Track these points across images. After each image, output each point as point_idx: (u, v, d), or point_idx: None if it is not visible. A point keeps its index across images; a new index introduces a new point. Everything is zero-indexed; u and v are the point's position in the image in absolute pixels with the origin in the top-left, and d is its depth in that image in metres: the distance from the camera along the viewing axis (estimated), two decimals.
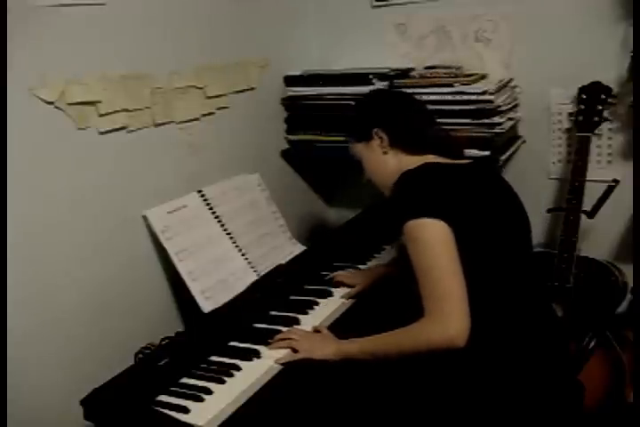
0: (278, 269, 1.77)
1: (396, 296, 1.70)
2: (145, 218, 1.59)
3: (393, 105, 1.50)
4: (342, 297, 1.66)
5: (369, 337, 1.34)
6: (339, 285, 1.71)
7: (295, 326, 1.50)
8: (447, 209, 1.23)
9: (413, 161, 1.38)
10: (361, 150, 1.50)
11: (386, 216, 1.37)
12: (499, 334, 1.27)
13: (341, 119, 1.98)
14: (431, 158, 1.40)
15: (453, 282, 1.20)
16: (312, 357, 1.36)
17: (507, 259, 1.31)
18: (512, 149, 1.94)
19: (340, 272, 1.76)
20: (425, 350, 1.21)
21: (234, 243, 1.73)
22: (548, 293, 1.74)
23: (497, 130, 1.81)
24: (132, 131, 1.58)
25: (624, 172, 1.86)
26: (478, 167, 1.43)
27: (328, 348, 1.37)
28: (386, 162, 1.45)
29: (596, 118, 1.79)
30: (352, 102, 1.96)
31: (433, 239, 1.22)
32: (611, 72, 1.81)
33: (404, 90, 1.85)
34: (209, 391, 1.26)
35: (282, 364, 1.36)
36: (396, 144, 1.43)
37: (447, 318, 1.18)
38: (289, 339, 1.41)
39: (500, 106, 1.81)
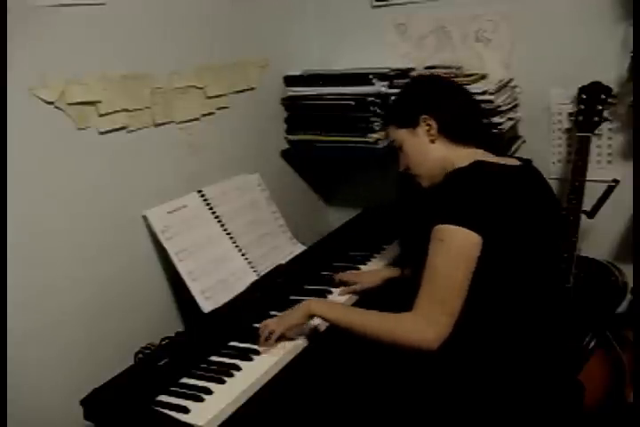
0: (278, 269, 1.77)
1: (398, 297, 1.71)
2: (145, 218, 1.59)
3: (444, 92, 1.43)
4: (340, 293, 1.67)
5: (349, 308, 1.37)
6: (340, 284, 1.71)
7: None
8: (486, 222, 1.20)
9: (462, 154, 1.34)
10: (403, 136, 1.43)
11: (423, 207, 1.33)
12: (501, 335, 1.27)
13: (341, 119, 2.02)
14: (480, 154, 1.35)
15: (456, 295, 1.20)
16: (286, 326, 1.39)
17: (532, 277, 1.30)
18: (512, 149, 1.93)
19: (347, 272, 1.76)
20: (397, 342, 1.22)
21: (234, 243, 1.73)
22: (562, 301, 1.73)
23: (497, 130, 1.81)
24: (132, 131, 1.58)
25: (624, 172, 1.86)
26: (526, 171, 1.37)
27: (298, 311, 1.40)
28: (430, 151, 1.39)
29: (596, 118, 1.79)
30: (352, 102, 1.98)
31: (458, 249, 1.20)
32: (611, 72, 1.81)
33: None
34: (209, 391, 1.26)
35: (279, 361, 1.35)
36: (444, 133, 1.38)
37: (432, 323, 1.19)
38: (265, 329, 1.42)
39: (499, 106, 1.81)
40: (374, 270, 1.79)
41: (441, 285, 1.20)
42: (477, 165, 1.30)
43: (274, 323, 1.42)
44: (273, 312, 1.58)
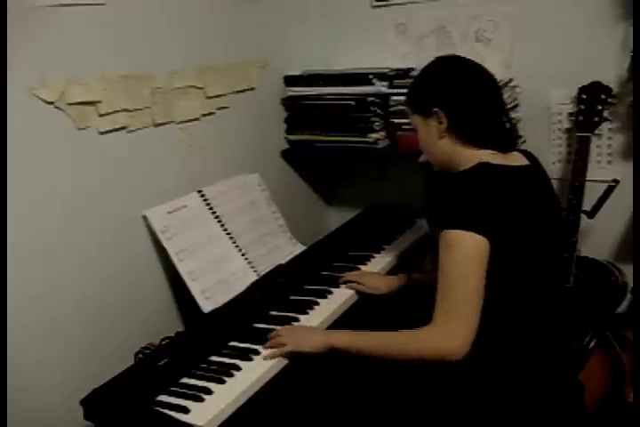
0: (278, 269, 1.77)
1: (399, 297, 1.71)
2: (145, 218, 1.59)
3: (463, 82, 1.33)
4: (346, 287, 1.67)
5: (363, 332, 1.33)
6: (344, 283, 1.70)
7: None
8: (491, 225, 1.19)
9: (468, 155, 1.31)
10: (416, 121, 1.39)
11: (432, 205, 1.33)
12: (502, 335, 1.27)
13: (341, 119, 2.02)
14: (486, 156, 1.30)
15: (472, 301, 1.19)
16: (300, 349, 1.35)
17: (537, 278, 1.30)
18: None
19: (352, 273, 1.74)
20: (424, 357, 1.21)
21: (234, 243, 1.73)
22: (564, 303, 1.73)
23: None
24: (132, 131, 1.58)
25: (624, 172, 1.86)
26: (531, 173, 1.35)
27: (315, 339, 1.35)
28: (438, 145, 1.35)
29: (596, 118, 1.79)
30: (352, 102, 1.98)
31: (468, 254, 1.19)
32: (611, 72, 1.81)
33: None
34: (209, 391, 1.26)
35: (279, 361, 1.35)
36: (454, 131, 1.32)
37: (454, 333, 1.18)
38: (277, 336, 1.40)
39: None
40: (380, 275, 1.76)
41: (457, 293, 1.19)
42: (481, 167, 1.28)
43: (289, 338, 1.37)
44: (273, 312, 1.58)
